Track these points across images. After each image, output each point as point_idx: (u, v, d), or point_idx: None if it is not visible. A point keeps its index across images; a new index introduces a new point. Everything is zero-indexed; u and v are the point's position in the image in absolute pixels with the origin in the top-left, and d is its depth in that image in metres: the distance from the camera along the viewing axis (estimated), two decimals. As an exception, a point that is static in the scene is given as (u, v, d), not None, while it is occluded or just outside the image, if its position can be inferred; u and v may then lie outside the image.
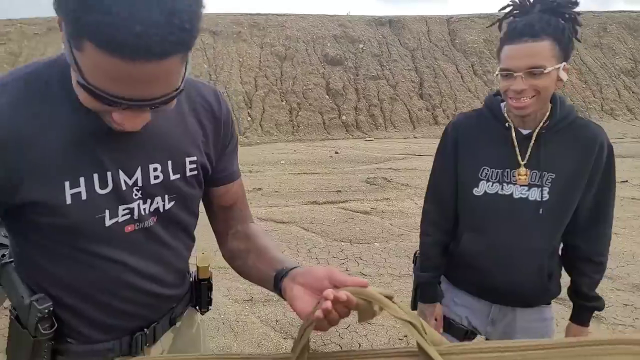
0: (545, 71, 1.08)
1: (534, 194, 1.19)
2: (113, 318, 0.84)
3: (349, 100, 14.38)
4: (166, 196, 0.82)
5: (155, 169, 0.79)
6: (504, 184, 1.21)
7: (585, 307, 1.33)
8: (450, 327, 1.45)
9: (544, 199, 1.18)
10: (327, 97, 14.41)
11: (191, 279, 1.02)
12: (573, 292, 1.35)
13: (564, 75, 1.12)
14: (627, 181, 6.65)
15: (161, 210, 0.83)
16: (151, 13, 0.53)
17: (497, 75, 1.17)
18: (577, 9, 1.14)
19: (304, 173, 8.22)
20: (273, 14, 16.89)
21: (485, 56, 16.29)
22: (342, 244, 4.38)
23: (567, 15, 1.13)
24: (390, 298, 0.59)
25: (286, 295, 0.74)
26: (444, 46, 15.88)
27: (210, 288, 1.03)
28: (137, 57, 0.55)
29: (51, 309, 0.78)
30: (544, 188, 1.18)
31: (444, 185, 1.35)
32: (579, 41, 1.17)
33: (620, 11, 18.14)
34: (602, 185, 1.20)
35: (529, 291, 1.31)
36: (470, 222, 1.31)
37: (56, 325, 0.80)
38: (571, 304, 1.38)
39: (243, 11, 17.48)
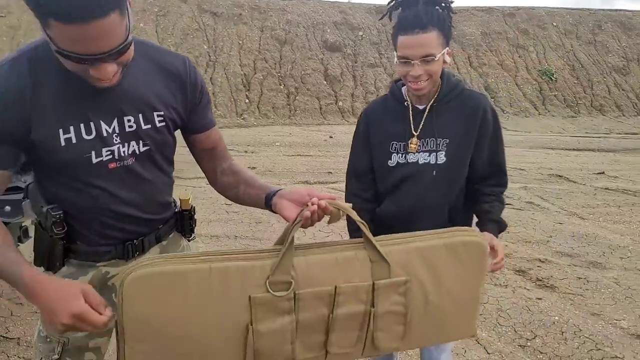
0: (436, 58, 1.30)
1: (434, 159, 1.42)
2: (107, 229, 1.07)
3: (346, 86, 14.59)
4: (140, 142, 1.04)
5: (129, 120, 1.02)
6: (410, 153, 1.44)
7: (488, 219, 1.45)
8: None
9: (439, 162, 1.42)
10: (325, 82, 14.61)
11: (176, 210, 1.24)
12: (477, 212, 1.48)
13: (447, 59, 1.35)
14: (603, 173, 6.99)
15: (137, 152, 1.04)
16: None
17: (396, 62, 1.38)
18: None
19: (298, 155, 8.51)
20: (275, -2, 16.98)
21: (482, 49, 16.48)
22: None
23: (444, 5, 1.34)
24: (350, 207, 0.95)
25: (276, 209, 1.04)
26: (442, 37, 16.02)
27: (191, 218, 1.25)
28: (81, 21, 0.76)
29: (61, 215, 1.02)
30: (440, 152, 1.41)
31: (360, 162, 1.53)
32: (453, 27, 1.41)
33: (616, 9, 18.31)
34: (492, 142, 1.45)
35: None
36: (386, 190, 1.48)
37: (66, 228, 1.04)
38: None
39: (245, -6, 17.51)
